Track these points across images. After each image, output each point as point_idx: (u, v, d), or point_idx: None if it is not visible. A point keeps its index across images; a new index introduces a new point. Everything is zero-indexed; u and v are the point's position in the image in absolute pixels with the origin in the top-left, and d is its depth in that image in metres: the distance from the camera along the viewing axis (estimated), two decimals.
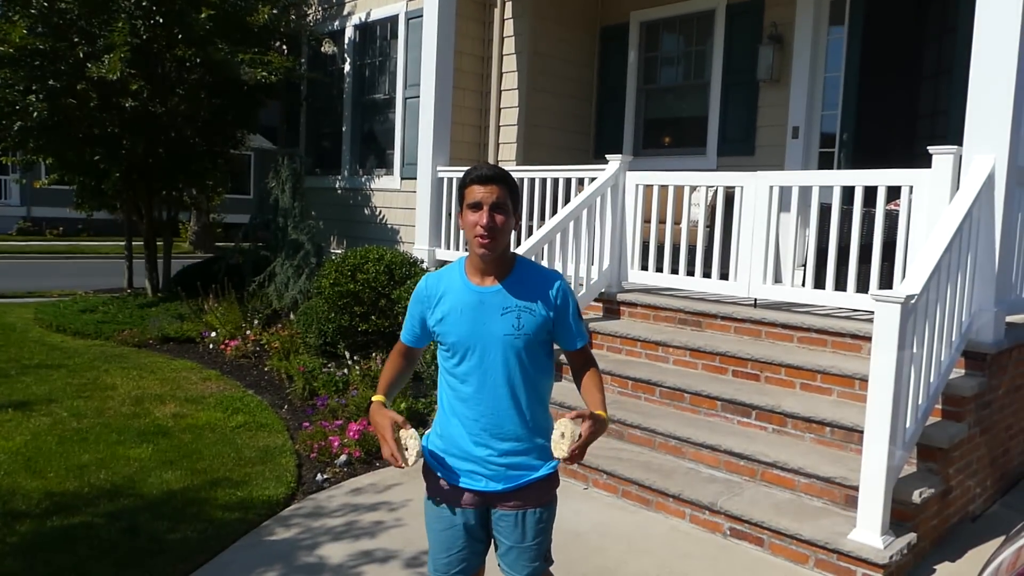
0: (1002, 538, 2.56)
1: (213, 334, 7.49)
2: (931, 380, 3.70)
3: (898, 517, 3.50)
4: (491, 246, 2.10)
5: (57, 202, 22.31)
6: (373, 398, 2.26)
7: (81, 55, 7.85)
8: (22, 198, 25.34)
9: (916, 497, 3.52)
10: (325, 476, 4.51)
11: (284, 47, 9.80)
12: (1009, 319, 4.35)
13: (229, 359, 7.03)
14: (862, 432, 3.45)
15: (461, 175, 2.24)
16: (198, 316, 7.99)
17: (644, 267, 5.75)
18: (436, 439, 2.30)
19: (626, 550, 3.69)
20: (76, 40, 7.91)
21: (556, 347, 2.27)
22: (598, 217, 5.72)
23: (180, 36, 8.08)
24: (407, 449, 2.13)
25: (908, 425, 3.49)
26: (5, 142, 8.79)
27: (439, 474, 2.27)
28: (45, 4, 7.72)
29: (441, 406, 2.30)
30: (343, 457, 4.68)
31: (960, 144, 4.15)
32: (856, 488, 3.48)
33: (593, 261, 5.73)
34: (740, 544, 3.73)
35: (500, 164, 8.08)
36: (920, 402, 3.59)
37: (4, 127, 8.34)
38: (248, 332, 7.32)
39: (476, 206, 2.10)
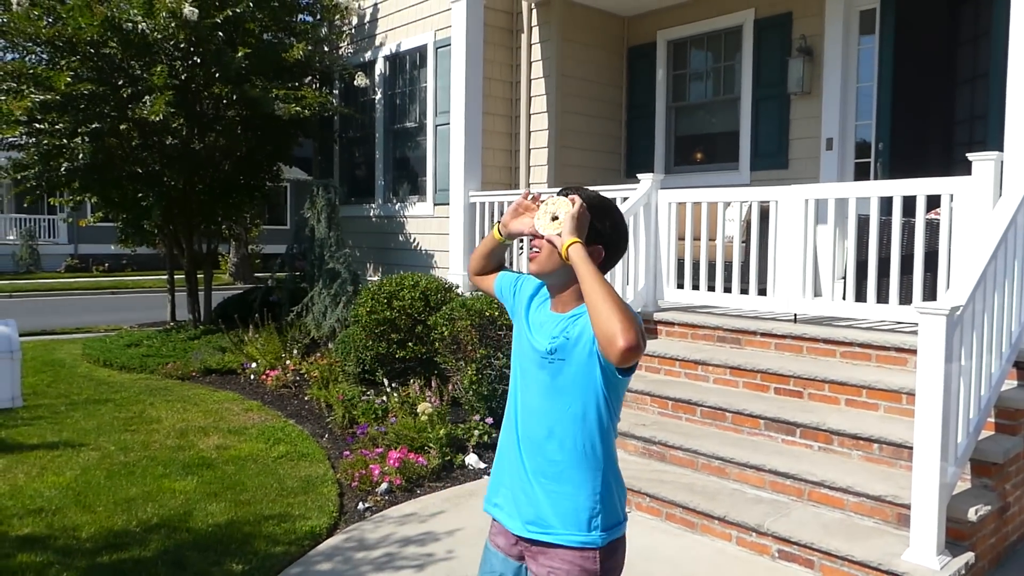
0: None
1: (254, 365, 7.59)
2: (982, 393, 3.60)
3: (953, 536, 3.40)
4: (535, 260, 1.97)
5: (102, 239, 22.91)
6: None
7: (124, 96, 8.10)
8: (69, 236, 26.08)
9: (972, 515, 3.41)
10: (367, 505, 4.52)
11: (317, 81, 10.00)
12: None
13: (270, 389, 7.12)
14: (911, 448, 3.36)
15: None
16: (239, 347, 8.11)
17: (680, 285, 5.71)
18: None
19: (672, 575, 3.63)
20: (119, 83, 8.16)
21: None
22: (631, 236, 5.70)
23: (217, 75, 8.30)
24: (551, 207, 1.93)
25: (960, 440, 3.40)
26: (53, 182, 9.08)
27: (488, 505, 2.10)
28: (91, 50, 7.99)
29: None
30: (384, 485, 4.69)
31: (1000, 149, 4.06)
32: (908, 506, 3.39)
33: (628, 281, 5.70)
34: (789, 567, 3.64)
35: (532, 187, 8.11)
36: (971, 416, 3.49)
37: (52, 168, 8.62)
38: (288, 362, 7.40)
39: None
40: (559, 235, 1.88)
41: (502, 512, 2.03)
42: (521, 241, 6.20)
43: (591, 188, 2.08)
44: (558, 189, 2.06)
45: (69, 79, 7.67)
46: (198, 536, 4.04)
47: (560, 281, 1.96)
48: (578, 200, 1.91)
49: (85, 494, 4.60)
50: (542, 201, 2.00)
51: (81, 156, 8.25)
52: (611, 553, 1.94)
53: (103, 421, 6.14)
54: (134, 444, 5.56)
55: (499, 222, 2.13)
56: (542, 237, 1.93)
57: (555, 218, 1.90)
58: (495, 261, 2.29)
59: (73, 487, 4.71)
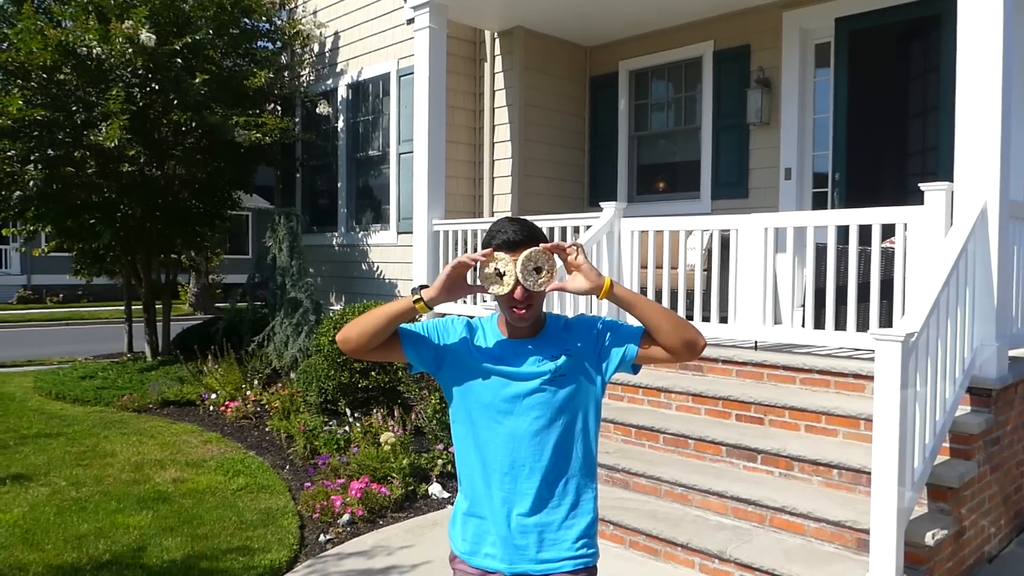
0: None
1: (213, 396, 7.44)
2: (937, 418, 3.65)
3: (912, 560, 3.43)
4: (528, 315, 1.90)
5: (57, 269, 22.40)
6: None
7: (79, 123, 7.97)
8: (22, 266, 25.46)
9: (929, 539, 3.45)
10: (328, 537, 4.43)
11: (278, 108, 9.96)
12: (1012, 353, 4.33)
13: (229, 421, 6.97)
14: (870, 473, 3.40)
15: (487, 230, 1.95)
16: (197, 378, 7.95)
17: None
18: (460, 503, 2.03)
19: None
20: (74, 109, 8.04)
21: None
22: (595, 264, 5.72)
23: (176, 101, 8.22)
24: (497, 271, 1.85)
25: (916, 465, 3.44)
26: (4, 212, 8.87)
27: (459, 552, 2.00)
28: (44, 76, 7.86)
29: (460, 461, 2.02)
30: (346, 516, 4.61)
31: (951, 180, 4.18)
32: (867, 531, 3.41)
33: (591, 310, 5.71)
34: None
35: (496, 215, 8.14)
36: (927, 441, 3.54)
37: (3, 198, 8.42)
38: (248, 393, 7.27)
39: None
40: (562, 282, 1.92)
41: (496, 561, 1.95)
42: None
43: (524, 217, 2.07)
44: (496, 232, 1.94)
45: (21, 104, 7.53)
46: (152, 572, 3.92)
47: (536, 318, 1.96)
48: (580, 245, 1.93)
49: (33, 531, 4.44)
50: (487, 258, 1.89)
51: (33, 184, 8.07)
52: (594, 573, 2.00)
53: (54, 456, 5.95)
54: (86, 479, 5.40)
55: (420, 299, 1.90)
56: (529, 293, 1.88)
57: (538, 269, 1.87)
58: (391, 331, 1.95)
59: (20, 524, 4.55)
